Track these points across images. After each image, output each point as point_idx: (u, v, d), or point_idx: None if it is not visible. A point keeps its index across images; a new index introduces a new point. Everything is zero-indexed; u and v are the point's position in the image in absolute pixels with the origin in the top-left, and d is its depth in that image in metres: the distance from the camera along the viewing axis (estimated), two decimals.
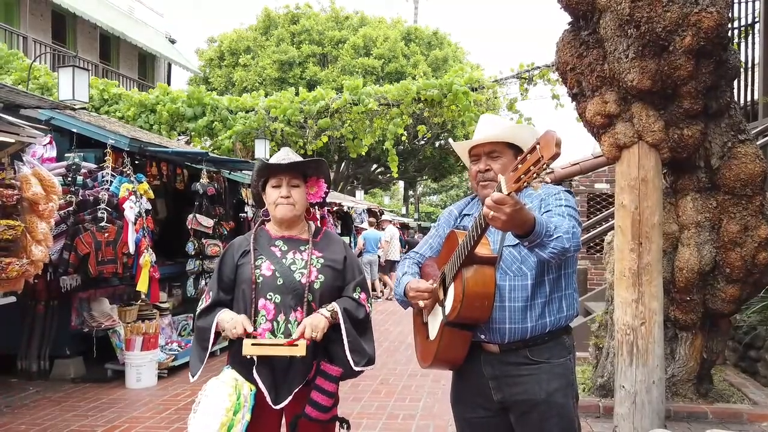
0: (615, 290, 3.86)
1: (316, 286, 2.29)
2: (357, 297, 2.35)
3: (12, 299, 4.90)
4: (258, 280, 2.28)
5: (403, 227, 22.87)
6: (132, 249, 5.62)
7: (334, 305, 2.28)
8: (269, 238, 2.38)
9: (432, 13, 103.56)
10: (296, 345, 2.15)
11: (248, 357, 2.21)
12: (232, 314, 2.27)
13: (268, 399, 2.23)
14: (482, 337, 2.04)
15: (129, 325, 5.88)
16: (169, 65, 19.99)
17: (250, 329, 2.20)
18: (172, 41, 20.23)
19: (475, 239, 1.80)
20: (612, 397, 4.10)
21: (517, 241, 1.90)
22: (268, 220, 2.45)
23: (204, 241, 6.71)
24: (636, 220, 3.65)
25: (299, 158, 2.39)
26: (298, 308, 2.26)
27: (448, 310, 1.94)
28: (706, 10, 3.38)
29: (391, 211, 23.82)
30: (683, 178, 4.14)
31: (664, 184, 4.10)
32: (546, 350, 2.04)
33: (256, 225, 2.48)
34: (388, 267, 14.10)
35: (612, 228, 4.72)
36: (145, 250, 5.72)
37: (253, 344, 2.18)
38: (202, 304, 2.37)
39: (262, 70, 20.80)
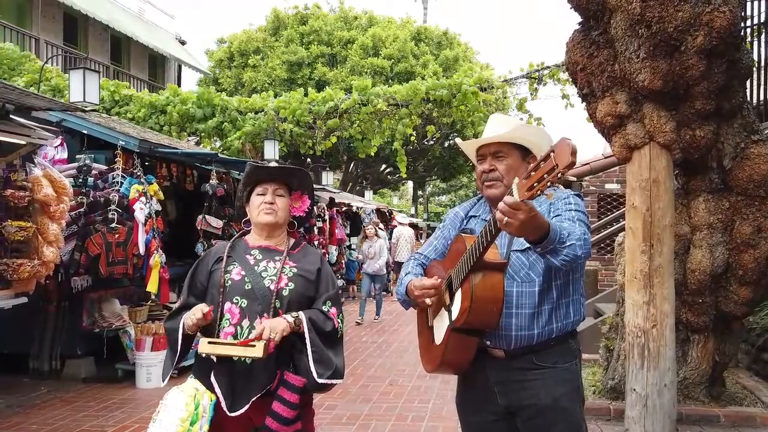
0: (626, 292, 3.83)
1: (285, 293, 2.24)
2: (326, 310, 2.27)
3: (24, 300, 4.94)
4: (226, 284, 2.24)
5: (411, 228, 22.81)
6: (142, 250, 5.65)
7: (300, 313, 2.22)
8: (246, 247, 2.36)
9: (442, 13, 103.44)
10: (253, 345, 2.06)
11: (205, 356, 2.15)
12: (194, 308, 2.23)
13: (224, 405, 2.15)
14: (488, 343, 2.02)
15: (139, 325, 5.93)
16: (179, 66, 20.08)
17: (205, 310, 2.14)
18: (182, 42, 20.32)
19: (485, 244, 1.78)
20: (623, 400, 4.07)
21: (526, 246, 1.88)
22: (248, 232, 2.43)
23: (213, 241, 6.72)
24: (647, 221, 3.62)
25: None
26: (265, 315, 2.19)
27: (455, 315, 1.91)
28: (719, 9, 3.34)
29: (400, 212, 23.80)
30: (695, 179, 4.10)
31: (675, 185, 4.07)
32: (552, 355, 2.02)
33: (236, 235, 2.45)
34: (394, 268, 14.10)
35: (623, 229, 4.68)
36: (155, 251, 5.74)
37: (209, 342, 2.11)
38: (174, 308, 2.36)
39: (272, 70, 20.82)
